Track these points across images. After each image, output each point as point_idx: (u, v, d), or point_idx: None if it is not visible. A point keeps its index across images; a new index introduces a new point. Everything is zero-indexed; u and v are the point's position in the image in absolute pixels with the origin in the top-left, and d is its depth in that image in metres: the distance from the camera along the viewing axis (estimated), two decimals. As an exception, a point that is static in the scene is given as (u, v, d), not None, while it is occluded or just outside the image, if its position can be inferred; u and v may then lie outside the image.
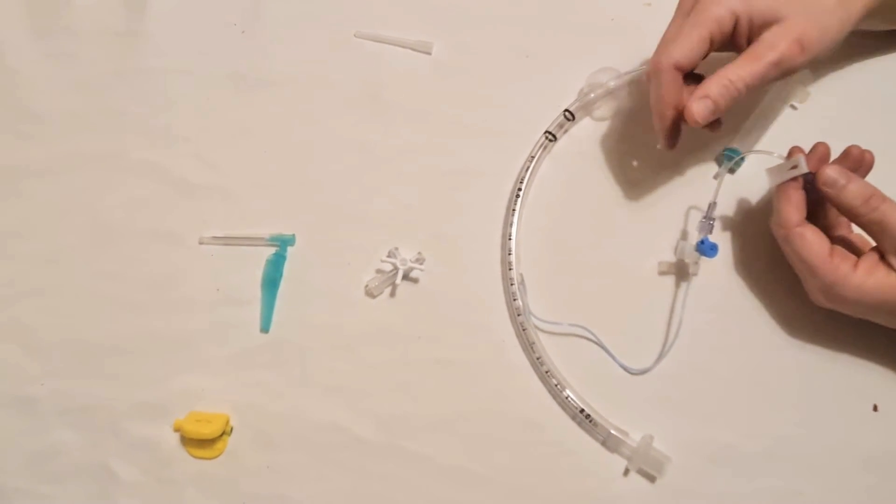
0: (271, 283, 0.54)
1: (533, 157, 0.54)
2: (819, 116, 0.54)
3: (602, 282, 0.53)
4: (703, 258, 0.50)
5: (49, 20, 0.61)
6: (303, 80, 0.58)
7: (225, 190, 0.57)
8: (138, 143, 0.58)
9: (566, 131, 0.56)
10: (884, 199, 0.45)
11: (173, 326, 0.54)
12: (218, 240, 0.55)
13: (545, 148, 0.55)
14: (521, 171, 0.54)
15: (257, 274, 0.55)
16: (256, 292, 0.54)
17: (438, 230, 0.55)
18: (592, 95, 0.55)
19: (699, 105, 0.45)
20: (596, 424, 0.50)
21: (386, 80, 0.58)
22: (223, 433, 0.51)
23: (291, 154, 0.57)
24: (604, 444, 0.50)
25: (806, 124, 0.54)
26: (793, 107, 0.55)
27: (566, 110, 0.55)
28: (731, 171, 0.54)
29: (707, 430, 0.50)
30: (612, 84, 0.55)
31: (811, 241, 0.46)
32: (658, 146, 0.51)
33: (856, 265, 0.45)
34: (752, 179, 0.54)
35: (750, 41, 0.46)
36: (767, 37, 0.45)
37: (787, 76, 0.47)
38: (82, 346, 0.55)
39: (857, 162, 0.47)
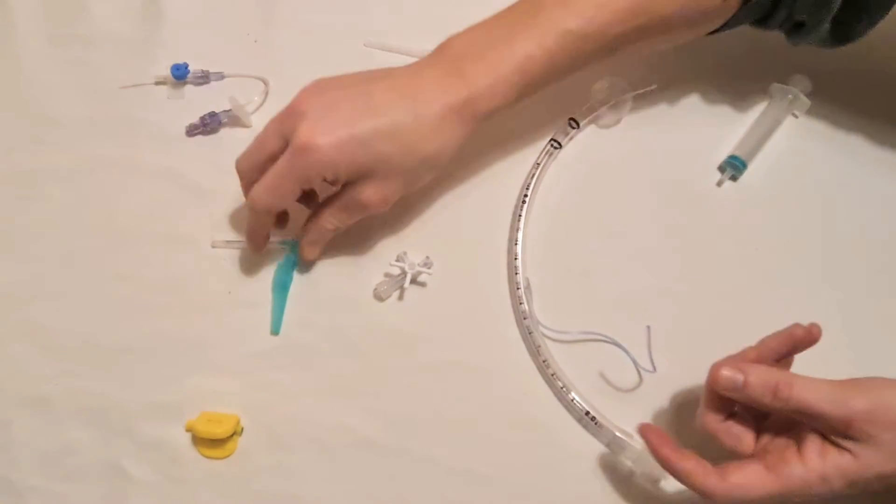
0: (282, 286, 0.55)
1: (538, 165, 0.55)
2: (820, 124, 0.55)
3: (606, 287, 0.54)
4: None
5: (67, 28, 0.63)
6: (314, 88, 0.59)
7: (237, 195, 0.57)
8: (153, 149, 0.59)
9: (571, 139, 0.57)
10: (791, 383, 0.41)
11: (186, 328, 0.55)
12: (230, 244, 0.56)
13: (550, 155, 0.56)
14: (526, 178, 0.55)
15: (268, 277, 0.56)
16: (267, 295, 0.55)
17: (446, 235, 0.56)
18: (597, 104, 0.56)
19: (308, 250, 0.53)
20: (601, 427, 0.50)
21: (395, 88, 0.59)
22: (234, 433, 0.52)
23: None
24: (608, 446, 0.51)
25: (807, 132, 0.55)
26: (794, 115, 0.56)
27: (571, 119, 0.56)
28: (734, 178, 0.55)
29: (712, 434, 0.51)
30: (617, 93, 0.56)
31: (750, 484, 0.41)
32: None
33: (801, 455, 0.41)
34: (753, 185, 0.55)
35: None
36: (357, 192, 0.48)
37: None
38: (96, 347, 0.55)
39: (804, 345, 0.44)
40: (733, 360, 0.44)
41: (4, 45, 0.63)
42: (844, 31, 0.48)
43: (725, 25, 0.50)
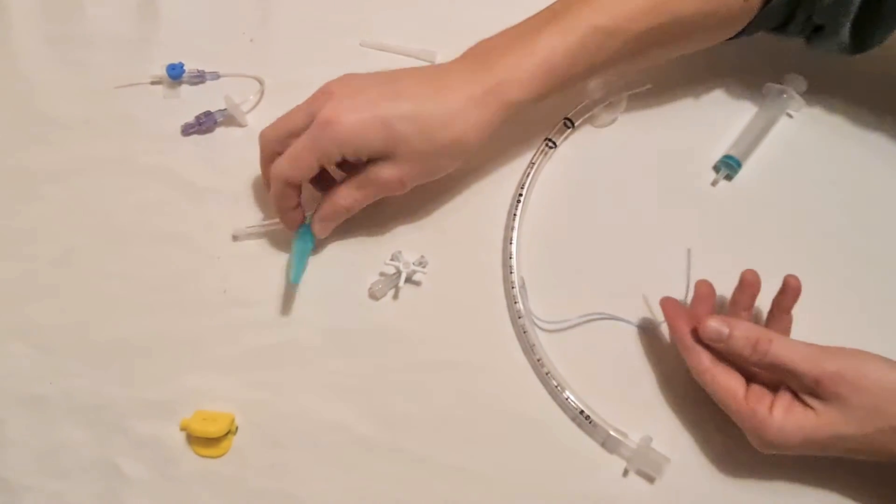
0: (304, 239, 0.54)
1: (533, 164, 0.56)
2: (814, 124, 0.55)
3: (601, 286, 0.54)
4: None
5: (63, 28, 0.63)
6: (309, 86, 0.59)
7: (233, 193, 0.58)
8: (148, 148, 0.59)
9: (566, 138, 0.57)
10: (771, 339, 0.44)
11: (181, 327, 0.55)
12: (252, 229, 0.56)
13: (545, 154, 0.56)
14: (522, 177, 0.56)
15: (264, 277, 0.56)
16: (263, 294, 0.55)
17: (441, 234, 0.56)
18: (592, 104, 0.56)
19: (319, 226, 0.53)
20: (595, 425, 0.50)
21: (391, 87, 0.59)
22: (228, 432, 0.52)
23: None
24: (603, 444, 0.51)
25: (801, 131, 0.55)
26: (788, 115, 0.56)
27: (566, 118, 0.56)
28: (729, 177, 0.55)
29: (706, 432, 0.51)
30: (612, 93, 0.56)
31: (723, 385, 0.45)
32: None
33: (771, 406, 0.44)
34: (748, 185, 0.55)
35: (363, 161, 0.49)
36: (376, 170, 0.49)
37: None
38: (91, 346, 0.55)
39: (753, 287, 0.48)
40: (719, 316, 0.46)
41: (1, 44, 0.63)
42: (862, 36, 0.49)
43: (744, 31, 0.50)
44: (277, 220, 0.54)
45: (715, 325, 0.45)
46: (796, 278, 0.47)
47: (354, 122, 0.46)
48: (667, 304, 0.49)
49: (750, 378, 0.46)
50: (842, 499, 0.49)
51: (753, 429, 0.44)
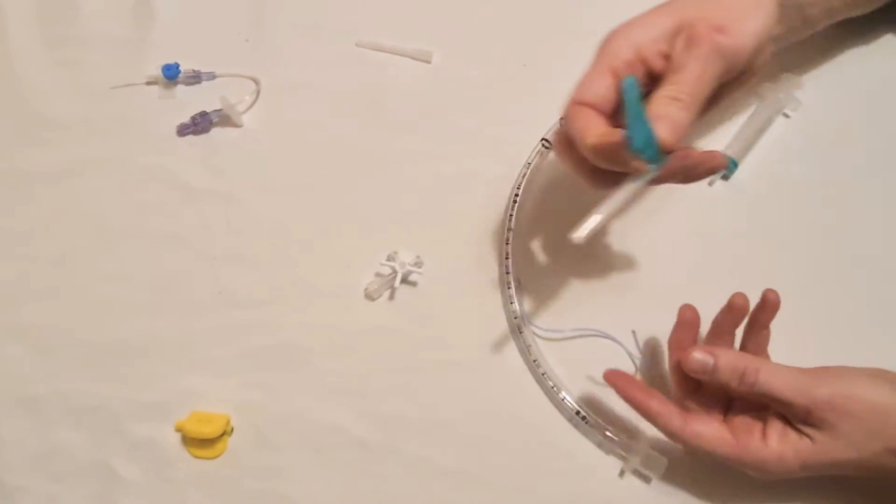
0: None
1: (529, 164, 0.55)
2: (810, 124, 0.55)
3: (598, 286, 0.54)
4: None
5: (58, 28, 0.63)
6: (305, 87, 0.60)
7: (229, 194, 0.58)
8: (145, 149, 0.59)
9: (563, 138, 0.57)
10: (758, 368, 0.42)
11: (176, 328, 0.55)
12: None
13: (542, 155, 0.56)
14: (518, 177, 0.55)
15: (258, 277, 0.56)
16: (258, 295, 0.56)
17: (437, 234, 0.56)
18: (589, 103, 0.56)
19: (662, 126, 0.39)
20: (592, 426, 0.50)
21: (387, 87, 0.59)
22: (223, 433, 0.52)
23: (294, 159, 0.58)
24: (599, 445, 0.51)
25: (798, 132, 0.55)
26: (785, 115, 0.56)
27: (562, 118, 0.56)
28: (725, 177, 0.55)
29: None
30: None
31: (709, 437, 0.44)
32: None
33: (764, 435, 0.43)
34: (745, 185, 0.55)
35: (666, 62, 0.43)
36: (680, 41, 0.42)
37: (731, 73, 0.42)
38: (87, 347, 0.55)
39: (741, 312, 0.46)
40: (703, 346, 0.45)
41: (-4, 45, 0.63)
42: None
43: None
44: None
45: (700, 357, 0.44)
46: (775, 293, 0.45)
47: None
48: (614, 376, 0.47)
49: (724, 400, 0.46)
50: (839, 499, 0.49)
51: (752, 465, 0.43)
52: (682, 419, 0.44)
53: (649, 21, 0.44)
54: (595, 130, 0.42)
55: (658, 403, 0.45)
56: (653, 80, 0.44)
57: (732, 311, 0.46)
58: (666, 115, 0.40)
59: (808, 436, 0.42)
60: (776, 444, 0.42)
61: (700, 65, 0.41)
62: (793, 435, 0.42)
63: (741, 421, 0.44)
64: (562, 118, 0.45)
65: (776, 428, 0.43)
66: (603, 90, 0.43)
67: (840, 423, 0.41)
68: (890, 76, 0.56)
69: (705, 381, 0.45)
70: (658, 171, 0.40)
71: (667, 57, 0.43)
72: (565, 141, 0.45)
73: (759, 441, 0.43)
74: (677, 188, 0.55)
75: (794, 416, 0.42)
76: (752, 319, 0.47)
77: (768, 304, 0.46)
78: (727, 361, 0.43)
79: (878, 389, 0.41)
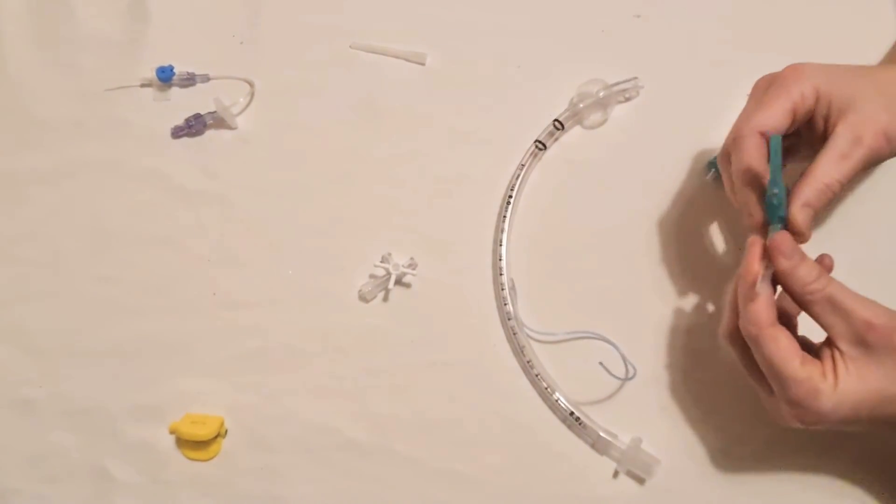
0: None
1: (523, 166, 0.56)
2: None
3: (591, 287, 0.54)
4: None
5: (52, 30, 0.62)
6: (299, 89, 0.60)
7: (222, 196, 0.58)
8: (139, 151, 0.59)
9: (556, 140, 0.57)
10: (830, 279, 0.41)
11: (170, 330, 0.55)
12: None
13: (535, 156, 0.56)
14: (511, 179, 0.56)
15: (252, 279, 0.56)
16: (252, 297, 0.56)
17: (431, 236, 0.56)
18: (582, 105, 0.56)
19: (804, 216, 0.42)
20: (585, 427, 0.50)
21: (380, 89, 0.59)
22: (217, 435, 0.52)
23: (288, 161, 0.58)
24: (593, 446, 0.51)
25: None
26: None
27: (556, 120, 0.56)
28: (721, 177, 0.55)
29: (696, 433, 0.51)
30: (601, 94, 0.56)
31: (784, 345, 0.41)
32: (747, 224, 0.45)
33: (823, 372, 0.40)
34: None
35: (827, 125, 0.44)
36: (849, 130, 0.42)
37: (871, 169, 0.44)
38: (81, 349, 0.55)
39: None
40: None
41: (-10, 47, 0.63)
42: None
43: None
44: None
45: (790, 242, 0.41)
46: (831, 259, 0.44)
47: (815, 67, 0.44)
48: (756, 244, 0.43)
49: None
50: (834, 498, 0.49)
51: (804, 396, 0.40)
52: (773, 316, 0.41)
53: (844, 83, 0.44)
54: (759, 167, 0.43)
55: (767, 288, 0.42)
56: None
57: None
58: (808, 203, 0.42)
59: (860, 360, 0.40)
60: (831, 378, 0.40)
61: (857, 166, 0.42)
62: (842, 367, 0.40)
63: (808, 357, 0.42)
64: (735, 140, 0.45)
65: (829, 363, 0.41)
66: (781, 125, 0.44)
67: None
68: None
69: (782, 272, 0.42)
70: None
71: (823, 117, 0.44)
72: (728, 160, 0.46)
73: (819, 375, 0.40)
74: (673, 189, 0.55)
75: (852, 332, 0.40)
76: None
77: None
78: (809, 260, 0.41)
79: None
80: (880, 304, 0.41)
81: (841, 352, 0.40)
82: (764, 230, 0.44)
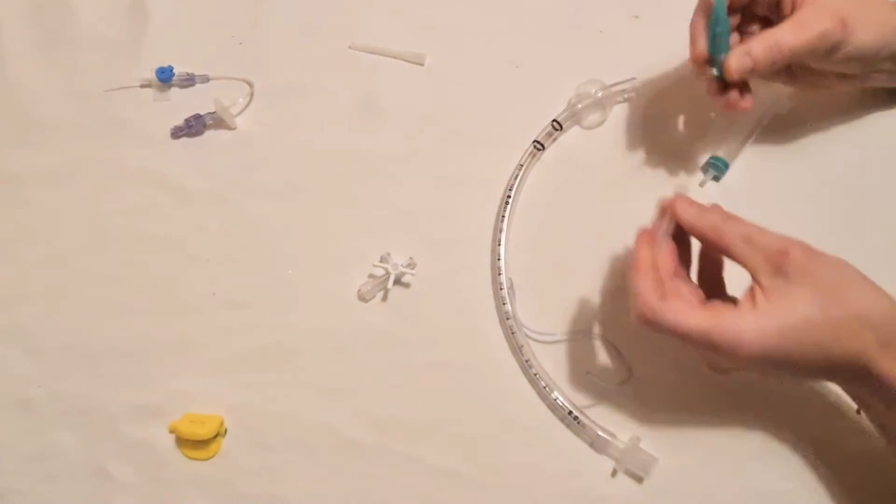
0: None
1: (521, 166, 0.56)
2: (801, 124, 0.56)
3: (590, 287, 0.54)
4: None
5: (52, 31, 0.63)
6: (299, 90, 0.60)
7: (221, 196, 0.58)
8: (138, 151, 0.59)
9: (555, 140, 0.57)
10: (740, 218, 0.43)
11: (170, 330, 0.55)
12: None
13: (533, 156, 0.56)
14: (510, 179, 0.56)
15: (251, 279, 0.56)
16: (251, 296, 0.56)
17: (430, 236, 0.56)
18: (580, 106, 0.56)
19: (738, 60, 0.45)
20: (584, 426, 0.51)
21: (379, 90, 0.59)
22: (217, 434, 0.52)
23: (287, 161, 0.59)
24: (592, 445, 0.51)
25: (789, 132, 0.56)
26: (777, 115, 0.56)
27: (554, 120, 0.56)
28: (716, 178, 0.55)
29: (693, 432, 0.51)
30: (599, 94, 0.56)
31: (683, 312, 0.40)
32: (690, 57, 0.48)
33: (739, 309, 0.40)
34: (736, 186, 0.55)
35: (794, 5, 0.46)
36: (812, 7, 0.45)
37: (825, 56, 0.45)
38: (80, 349, 0.56)
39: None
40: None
41: (-10, 47, 0.63)
42: None
43: None
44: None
45: (687, 199, 0.44)
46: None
47: None
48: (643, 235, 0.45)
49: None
50: (829, 498, 0.49)
51: (727, 343, 0.39)
52: (661, 292, 0.41)
53: None
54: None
55: (648, 269, 0.43)
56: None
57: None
58: (750, 53, 0.45)
59: (778, 289, 0.40)
60: (750, 312, 0.39)
61: (812, 40, 0.44)
62: (761, 298, 0.40)
63: (717, 302, 0.43)
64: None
65: (747, 298, 0.41)
66: None
67: (815, 271, 0.40)
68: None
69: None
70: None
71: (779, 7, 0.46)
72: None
73: (734, 313, 0.40)
74: (671, 189, 0.55)
75: (768, 262, 0.40)
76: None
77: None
78: (714, 207, 0.44)
79: (854, 272, 0.41)
80: (794, 237, 0.42)
81: (762, 286, 0.40)
82: (702, 66, 0.47)
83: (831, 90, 0.51)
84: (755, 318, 0.39)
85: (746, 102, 0.47)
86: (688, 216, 0.44)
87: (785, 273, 0.40)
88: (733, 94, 0.47)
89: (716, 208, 0.44)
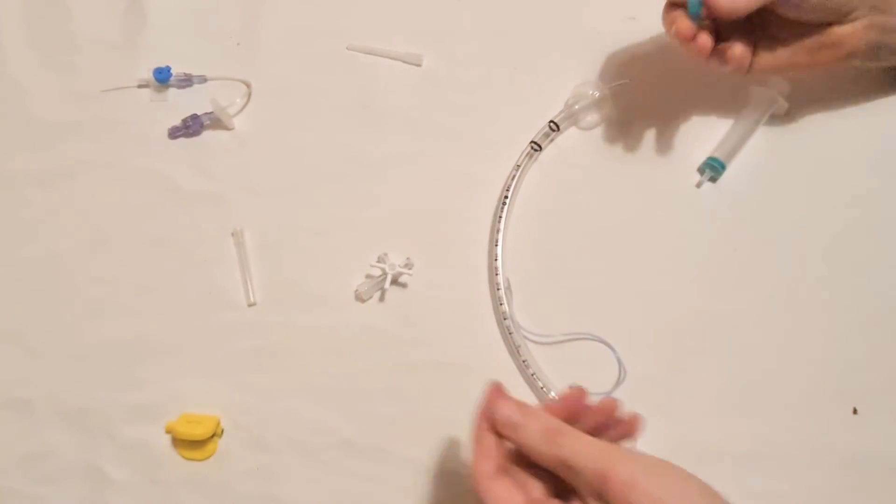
0: None
1: (519, 166, 0.56)
2: (798, 126, 0.56)
3: (586, 288, 0.54)
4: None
5: (50, 31, 0.63)
6: (296, 90, 0.60)
7: (219, 197, 0.58)
8: (136, 152, 0.59)
9: (552, 141, 0.57)
10: (565, 432, 0.37)
11: (166, 330, 0.55)
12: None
13: (530, 157, 0.56)
14: (507, 180, 0.56)
15: (250, 279, 0.56)
16: (248, 296, 0.56)
17: (427, 236, 0.56)
18: (577, 107, 0.56)
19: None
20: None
21: (377, 90, 0.59)
22: (214, 435, 0.52)
23: (284, 162, 0.59)
24: (588, 446, 0.51)
25: (785, 134, 0.56)
26: (773, 117, 0.56)
27: (551, 121, 0.56)
28: (713, 179, 0.55)
29: (690, 432, 0.51)
30: (596, 95, 0.56)
31: (497, 499, 0.37)
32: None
33: None
34: (733, 187, 0.55)
35: None
36: None
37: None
38: (77, 349, 0.55)
39: (607, 415, 0.40)
40: (522, 404, 0.40)
41: (-12, 48, 0.63)
42: None
43: None
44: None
45: (507, 412, 0.38)
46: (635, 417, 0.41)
47: None
48: (492, 389, 0.40)
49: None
50: (827, 499, 0.49)
51: None
52: (494, 466, 0.38)
53: None
54: None
55: (488, 437, 0.39)
56: None
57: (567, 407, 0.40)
58: None
59: None
60: None
61: None
62: None
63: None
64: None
65: None
66: None
67: (635, 501, 0.34)
68: (876, 79, 0.56)
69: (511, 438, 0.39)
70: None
71: None
72: None
73: None
74: (667, 190, 0.55)
75: (590, 488, 0.35)
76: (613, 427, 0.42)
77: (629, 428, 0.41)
78: (537, 419, 0.38)
79: (690, 486, 0.36)
80: (620, 448, 0.37)
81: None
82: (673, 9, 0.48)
83: (820, 64, 0.50)
84: None
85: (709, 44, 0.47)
86: (505, 434, 0.39)
87: (606, 500, 0.35)
88: (702, 37, 0.47)
89: (536, 414, 0.38)
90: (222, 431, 0.53)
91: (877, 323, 0.52)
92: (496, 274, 0.54)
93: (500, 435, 0.39)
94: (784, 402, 0.51)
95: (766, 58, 0.50)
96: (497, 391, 0.40)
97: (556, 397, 0.46)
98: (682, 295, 0.53)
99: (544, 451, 0.37)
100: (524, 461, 0.39)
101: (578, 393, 0.41)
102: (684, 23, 0.47)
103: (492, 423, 0.39)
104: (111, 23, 0.63)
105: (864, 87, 0.56)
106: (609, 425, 0.41)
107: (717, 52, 0.48)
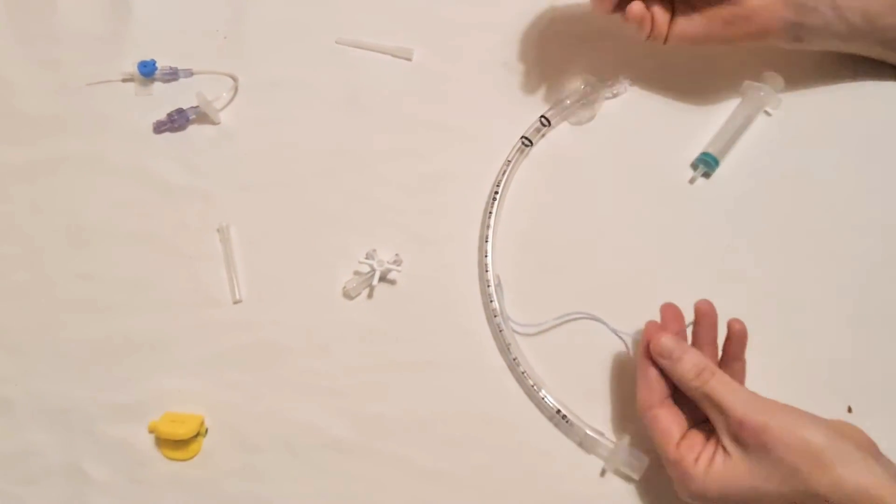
0: None
1: (509, 162, 0.55)
2: (791, 121, 0.55)
3: (578, 284, 0.53)
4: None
5: (33, 24, 0.62)
6: (284, 84, 0.59)
7: (205, 192, 0.57)
8: (121, 146, 0.58)
9: (543, 136, 0.56)
10: (715, 372, 0.44)
11: (150, 328, 0.54)
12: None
13: (521, 152, 0.55)
14: (497, 175, 0.55)
15: (235, 276, 0.55)
16: (234, 293, 0.55)
17: (416, 232, 0.55)
18: (569, 102, 0.56)
19: None
20: (572, 425, 0.50)
21: (367, 85, 0.59)
22: (197, 434, 0.51)
23: (271, 157, 0.58)
24: (580, 444, 0.50)
25: (779, 129, 0.55)
26: (766, 112, 0.56)
27: (542, 116, 0.56)
28: (706, 174, 0.55)
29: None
30: (588, 91, 0.56)
31: (663, 427, 0.44)
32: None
33: (698, 457, 0.43)
34: (726, 183, 0.54)
35: None
36: None
37: None
38: (58, 348, 0.54)
39: (708, 318, 0.47)
40: (678, 339, 0.46)
41: (-30, 42, 0.62)
42: None
43: None
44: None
45: (668, 343, 0.45)
46: (740, 323, 0.46)
47: None
48: (650, 326, 0.47)
49: (693, 425, 0.46)
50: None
51: (678, 477, 0.43)
52: (657, 397, 0.45)
53: None
54: None
55: (652, 371, 0.45)
56: None
57: (700, 319, 0.47)
58: None
59: (732, 457, 0.41)
60: (703, 465, 0.42)
61: None
62: (719, 457, 0.42)
63: (692, 437, 0.44)
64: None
65: (709, 449, 0.43)
66: None
67: (769, 450, 0.40)
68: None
69: (670, 393, 0.46)
70: None
71: None
72: None
73: (693, 457, 0.43)
74: (660, 186, 0.55)
75: (728, 428, 0.42)
76: (724, 351, 0.47)
77: (734, 335, 0.47)
78: (692, 356, 0.44)
79: (817, 432, 0.40)
80: (759, 396, 0.43)
81: (722, 444, 0.42)
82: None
83: (737, 39, 0.50)
84: (704, 477, 0.42)
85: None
86: (662, 365, 0.45)
87: (741, 441, 0.41)
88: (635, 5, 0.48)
89: (691, 351, 0.45)
90: (206, 430, 0.52)
91: (871, 320, 0.51)
92: (486, 271, 0.53)
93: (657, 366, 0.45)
94: (778, 399, 0.50)
95: (683, 24, 0.50)
96: (655, 326, 0.47)
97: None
98: (675, 291, 0.52)
99: (694, 386, 0.43)
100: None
101: (670, 307, 0.48)
102: None
103: (650, 354, 0.45)
104: (96, 15, 0.62)
105: (858, 82, 0.55)
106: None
107: (620, 10, 0.49)
